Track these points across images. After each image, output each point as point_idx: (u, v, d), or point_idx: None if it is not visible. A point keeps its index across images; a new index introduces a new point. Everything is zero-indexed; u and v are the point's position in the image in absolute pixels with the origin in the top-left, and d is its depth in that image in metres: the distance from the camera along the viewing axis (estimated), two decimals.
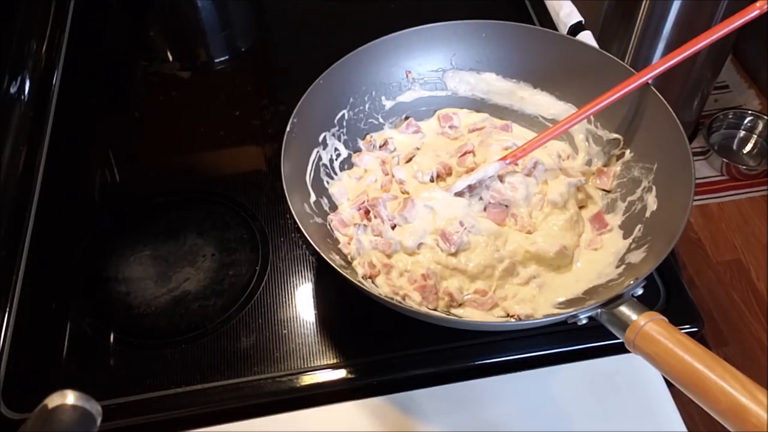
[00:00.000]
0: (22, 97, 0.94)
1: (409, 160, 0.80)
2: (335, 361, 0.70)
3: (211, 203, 0.84)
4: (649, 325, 0.54)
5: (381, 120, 0.84)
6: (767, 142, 2.07)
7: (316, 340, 0.71)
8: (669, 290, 0.74)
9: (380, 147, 0.82)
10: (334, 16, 1.08)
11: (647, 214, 0.71)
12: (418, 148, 0.82)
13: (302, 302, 0.74)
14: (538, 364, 0.70)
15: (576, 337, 0.71)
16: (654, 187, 0.72)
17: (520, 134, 0.82)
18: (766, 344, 1.70)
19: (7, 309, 0.74)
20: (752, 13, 0.70)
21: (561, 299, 0.68)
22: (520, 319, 0.67)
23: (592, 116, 0.78)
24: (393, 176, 0.78)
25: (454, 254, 0.70)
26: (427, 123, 0.85)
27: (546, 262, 0.71)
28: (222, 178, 0.88)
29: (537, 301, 0.69)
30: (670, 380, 0.53)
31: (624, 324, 0.56)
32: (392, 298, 0.68)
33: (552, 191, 0.74)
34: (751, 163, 2.07)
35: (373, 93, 0.83)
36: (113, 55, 1.04)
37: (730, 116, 2.10)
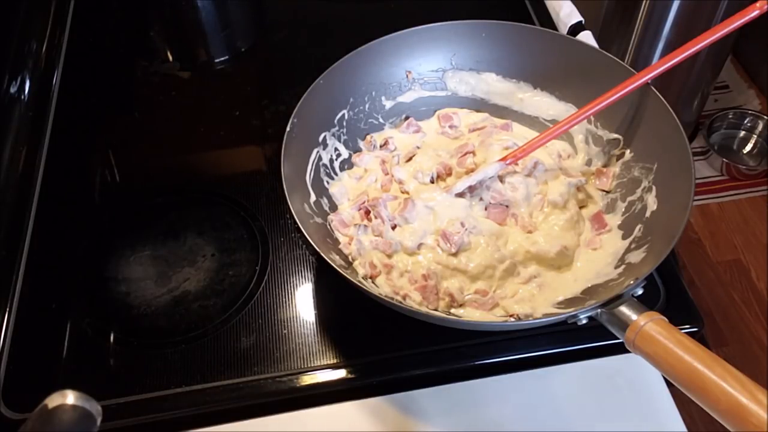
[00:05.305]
0: (22, 97, 0.94)
1: (410, 159, 0.80)
2: (335, 361, 0.70)
3: (211, 203, 0.83)
4: (649, 325, 0.54)
5: (381, 120, 0.84)
6: (767, 142, 2.07)
7: (316, 340, 0.71)
8: (669, 290, 0.74)
9: (381, 147, 0.82)
10: (334, 16, 1.08)
11: (647, 214, 0.71)
12: (418, 147, 0.82)
13: (302, 302, 0.74)
14: (538, 364, 0.70)
15: (576, 337, 0.71)
16: (654, 187, 0.72)
17: (521, 133, 0.82)
18: (766, 344, 1.70)
19: (7, 309, 0.74)
20: (752, 13, 0.70)
21: (560, 298, 0.68)
22: (519, 319, 0.67)
23: (592, 116, 0.78)
24: (393, 176, 0.78)
25: (455, 254, 0.70)
26: (427, 123, 0.85)
27: (547, 262, 0.71)
28: (222, 178, 0.88)
29: (536, 300, 0.69)
30: (670, 380, 0.53)
31: (624, 324, 0.56)
32: (392, 298, 0.68)
33: (552, 191, 0.74)
34: (751, 163, 2.07)
35: (373, 93, 0.83)
36: (113, 55, 1.04)
37: (730, 116, 2.10)
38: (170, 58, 1.04)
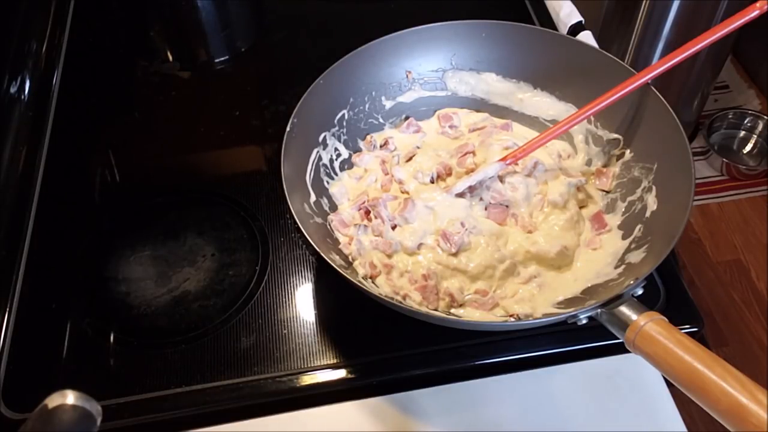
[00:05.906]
0: (22, 97, 0.94)
1: (410, 159, 0.80)
2: (335, 361, 0.70)
3: (211, 203, 0.83)
4: (649, 325, 0.54)
5: (381, 120, 0.84)
6: (767, 142, 2.07)
7: (316, 340, 0.71)
8: (669, 290, 0.74)
9: (381, 147, 0.82)
10: (334, 16, 1.08)
11: (647, 214, 0.71)
12: (418, 147, 0.82)
13: (302, 302, 0.74)
14: (538, 364, 0.70)
15: (576, 337, 0.71)
16: (654, 187, 0.72)
17: (521, 133, 0.82)
18: (766, 344, 1.70)
19: (7, 309, 0.74)
20: (752, 13, 0.70)
21: (560, 298, 0.68)
22: (519, 319, 0.67)
23: (592, 116, 0.78)
24: (393, 176, 0.78)
25: (455, 254, 0.70)
26: (427, 123, 0.85)
27: (547, 262, 0.71)
28: (222, 178, 0.88)
29: (536, 300, 0.69)
30: (670, 380, 0.53)
31: (624, 324, 0.56)
32: (392, 298, 0.68)
33: (552, 191, 0.74)
34: (751, 163, 2.07)
35: (373, 93, 0.83)
36: (113, 55, 1.04)
37: (730, 116, 2.10)
38: (170, 58, 1.04)
